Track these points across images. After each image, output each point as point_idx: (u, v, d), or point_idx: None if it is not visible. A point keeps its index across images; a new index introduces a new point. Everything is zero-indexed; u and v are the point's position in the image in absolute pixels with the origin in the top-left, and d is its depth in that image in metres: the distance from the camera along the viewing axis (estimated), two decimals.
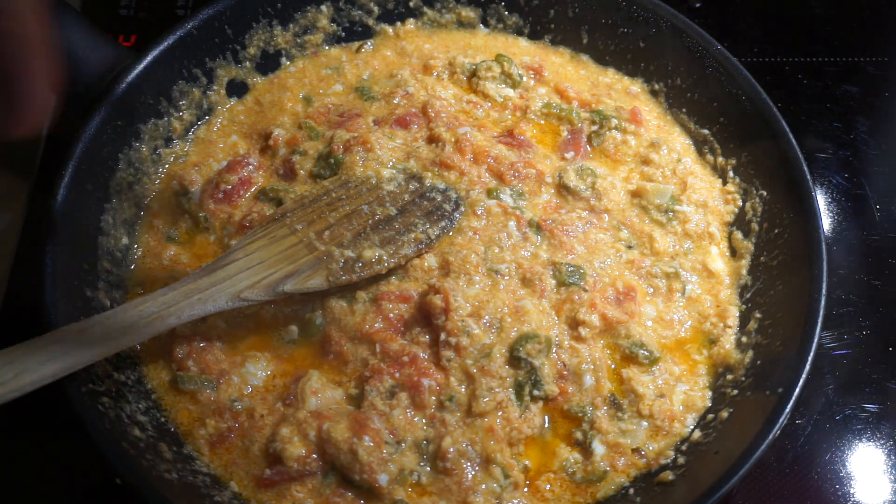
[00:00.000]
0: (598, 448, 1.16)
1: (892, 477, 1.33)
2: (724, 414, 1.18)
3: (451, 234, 1.28)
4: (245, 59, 1.50)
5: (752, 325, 1.27)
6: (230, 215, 1.33)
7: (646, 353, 1.22)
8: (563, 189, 1.36)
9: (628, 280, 1.28)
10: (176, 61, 1.40)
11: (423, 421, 1.15)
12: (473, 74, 1.51)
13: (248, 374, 1.20)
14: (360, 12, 1.57)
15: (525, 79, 1.52)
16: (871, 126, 1.74)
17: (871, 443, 1.36)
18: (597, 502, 1.15)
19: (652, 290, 1.29)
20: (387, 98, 1.47)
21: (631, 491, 1.15)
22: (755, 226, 1.35)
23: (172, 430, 1.17)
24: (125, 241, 1.32)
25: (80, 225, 1.25)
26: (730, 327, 1.28)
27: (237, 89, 1.51)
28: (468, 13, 1.60)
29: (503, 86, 1.51)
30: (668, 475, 1.14)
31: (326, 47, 1.58)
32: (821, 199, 1.62)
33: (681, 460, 1.16)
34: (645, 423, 1.19)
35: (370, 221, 1.26)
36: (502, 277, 1.24)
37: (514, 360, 1.18)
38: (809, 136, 1.70)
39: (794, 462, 1.33)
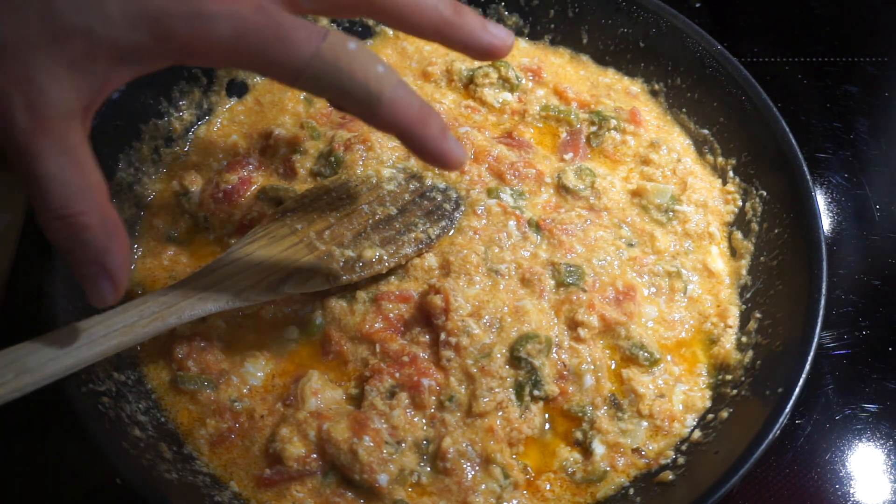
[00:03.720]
0: (598, 448, 1.16)
1: (892, 477, 1.33)
2: (724, 414, 1.18)
3: (451, 233, 1.28)
4: None
5: (752, 325, 1.27)
6: (230, 215, 1.33)
7: (646, 354, 1.22)
8: (562, 189, 1.36)
9: (629, 280, 1.28)
10: None
11: (423, 421, 1.15)
12: (471, 81, 1.51)
13: (247, 374, 1.20)
14: None
15: (523, 81, 1.52)
16: (871, 126, 1.74)
17: (870, 443, 1.36)
18: (597, 502, 1.15)
19: (654, 289, 1.29)
20: None
21: (631, 491, 1.15)
22: (755, 226, 1.35)
23: (172, 430, 1.17)
24: None
25: None
26: (730, 327, 1.28)
27: (237, 89, 1.51)
28: None
29: (500, 90, 1.51)
30: (668, 475, 1.14)
31: None
32: (821, 199, 1.63)
33: (681, 460, 1.16)
34: (645, 423, 1.19)
35: (370, 221, 1.26)
36: (502, 277, 1.24)
37: (514, 360, 1.18)
38: (809, 136, 1.71)
39: (794, 462, 1.33)
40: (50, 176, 0.86)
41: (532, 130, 1.46)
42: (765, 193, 1.36)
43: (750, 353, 1.24)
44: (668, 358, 1.25)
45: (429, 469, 1.13)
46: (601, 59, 1.58)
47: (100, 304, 0.96)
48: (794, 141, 1.33)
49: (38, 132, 0.85)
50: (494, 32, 1.02)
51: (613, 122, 1.45)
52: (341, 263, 1.20)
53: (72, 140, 0.88)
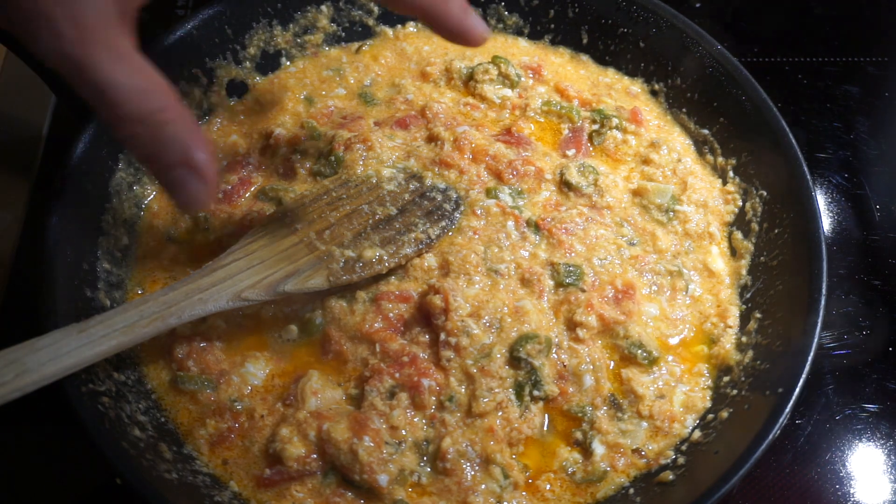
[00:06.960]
0: (598, 448, 1.16)
1: (892, 477, 1.33)
2: (724, 414, 1.18)
3: (451, 233, 1.28)
4: (245, 59, 1.50)
5: (752, 325, 1.27)
6: (230, 215, 1.33)
7: (644, 353, 1.22)
8: (564, 186, 1.36)
9: (628, 278, 1.28)
10: (176, 61, 1.40)
11: (423, 421, 1.15)
12: (470, 78, 1.51)
13: (247, 373, 1.20)
14: (360, 12, 1.57)
15: (523, 79, 1.52)
16: (871, 126, 1.74)
17: (871, 443, 1.36)
18: (597, 502, 1.15)
19: (655, 287, 1.29)
20: (388, 103, 1.48)
21: (631, 491, 1.15)
22: (755, 226, 1.35)
23: (172, 430, 1.17)
24: (125, 241, 1.32)
25: (80, 225, 1.24)
26: (730, 327, 1.28)
27: (237, 89, 1.51)
28: None
29: (500, 87, 1.51)
30: (668, 475, 1.14)
31: (326, 48, 1.58)
32: (821, 199, 1.63)
33: (681, 460, 1.16)
34: (645, 424, 1.19)
35: (370, 221, 1.26)
36: (502, 277, 1.24)
37: (514, 360, 1.18)
38: (809, 136, 1.71)
39: (794, 462, 1.33)
40: (117, 84, 0.87)
41: (532, 126, 1.46)
42: (765, 193, 1.36)
43: (750, 353, 1.24)
44: (669, 358, 1.25)
45: (429, 469, 1.13)
46: (601, 59, 1.58)
47: (195, 210, 0.95)
48: (794, 141, 1.33)
49: (89, 43, 0.86)
50: (476, 20, 1.13)
51: (615, 121, 1.45)
52: (341, 263, 1.20)
53: (123, 46, 0.89)
